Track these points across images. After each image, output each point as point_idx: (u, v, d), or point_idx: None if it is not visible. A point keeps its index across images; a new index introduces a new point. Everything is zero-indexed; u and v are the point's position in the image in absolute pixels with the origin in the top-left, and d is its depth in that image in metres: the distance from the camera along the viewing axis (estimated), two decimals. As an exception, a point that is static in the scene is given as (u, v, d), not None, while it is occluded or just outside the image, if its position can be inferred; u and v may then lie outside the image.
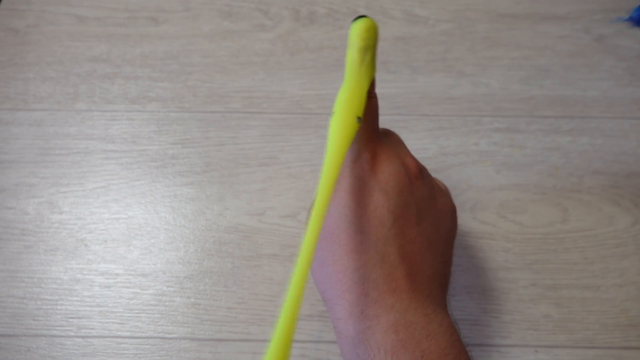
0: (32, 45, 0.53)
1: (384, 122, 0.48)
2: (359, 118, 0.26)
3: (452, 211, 0.32)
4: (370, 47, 0.27)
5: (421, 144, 0.47)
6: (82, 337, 0.39)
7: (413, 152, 0.33)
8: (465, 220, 0.44)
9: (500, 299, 0.40)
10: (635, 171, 0.46)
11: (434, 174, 0.43)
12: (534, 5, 0.55)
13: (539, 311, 0.40)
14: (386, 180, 0.28)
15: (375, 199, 0.27)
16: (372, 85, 0.28)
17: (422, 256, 0.27)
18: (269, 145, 0.47)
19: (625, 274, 0.41)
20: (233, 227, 0.43)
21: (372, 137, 0.29)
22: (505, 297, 0.40)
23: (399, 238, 0.26)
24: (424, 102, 0.49)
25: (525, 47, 0.53)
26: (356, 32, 0.26)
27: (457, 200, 0.44)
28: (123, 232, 0.43)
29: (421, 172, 0.30)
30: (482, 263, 0.42)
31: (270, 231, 0.43)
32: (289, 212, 0.44)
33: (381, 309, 0.24)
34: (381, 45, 0.53)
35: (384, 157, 0.29)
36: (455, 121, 0.48)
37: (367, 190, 0.27)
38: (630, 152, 0.47)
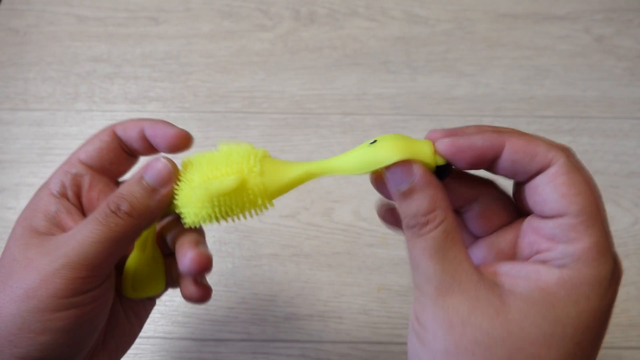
0: (32, 45, 0.53)
1: (385, 122, 0.49)
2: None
3: None
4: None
5: (421, 144, 0.47)
6: (82, 337, 0.39)
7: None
8: (465, 220, 0.44)
9: (500, 299, 0.40)
10: (635, 171, 0.46)
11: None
12: (534, 5, 0.55)
13: (539, 311, 0.40)
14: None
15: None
16: None
17: None
18: (269, 145, 0.47)
19: (625, 273, 0.41)
20: (233, 227, 0.43)
21: None
22: (505, 297, 0.40)
23: None
24: (424, 102, 0.49)
25: (525, 47, 0.53)
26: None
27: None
28: (123, 232, 0.43)
29: None
30: (482, 263, 0.42)
31: (270, 231, 0.43)
32: (289, 212, 0.44)
33: None
34: (381, 45, 0.53)
35: None
36: (455, 121, 0.48)
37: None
38: (630, 152, 0.47)
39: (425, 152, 0.22)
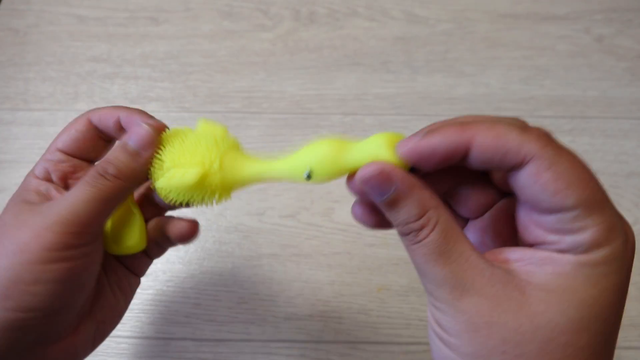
0: (32, 45, 0.53)
1: (385, 122, 0.49)
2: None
3: None
4: None
5: (421, 144, 0.47)
6: (82, 337, 0.39)
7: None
8: (465, 220, 0.44)
9: (500, 299, 0.40)
10: (635, 171, 0.46)
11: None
12: (534, 5, 0.55)
13: (539, 311, 0.40)
14: None
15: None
16: None
17: None
18: (269, 145, 0.47)
19: (625, 274, 0.41)
20: (233, 227, 0.43)
21: None
22: (505, 297, 0.40)
23: None
24: (424, 102, 0.49)
25: (525, 47, 0.53)
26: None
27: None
28: (123, 232, 0.43)
29: None
30: (482, 263, 0.42)
31: (270, 231, 0.43)
32: (289, 212, 0.44)
33: None
34: (381, 45, 0.53)
35: None
36: (455, 121, 0.48)
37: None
38: (630, 152, 0.47)
39: (391, 153, 0.21)
